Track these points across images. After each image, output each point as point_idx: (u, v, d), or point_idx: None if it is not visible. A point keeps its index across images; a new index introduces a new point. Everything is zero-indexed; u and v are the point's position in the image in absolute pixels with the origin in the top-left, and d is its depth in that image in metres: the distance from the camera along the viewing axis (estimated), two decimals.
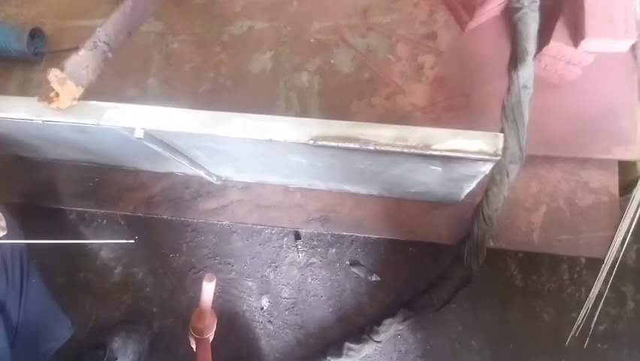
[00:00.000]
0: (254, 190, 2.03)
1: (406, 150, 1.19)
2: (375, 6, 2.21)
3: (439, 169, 1.34)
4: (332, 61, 2.13)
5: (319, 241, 2.15)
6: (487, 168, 1.27)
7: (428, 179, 1.49)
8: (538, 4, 1.65)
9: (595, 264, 1.98)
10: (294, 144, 1.25)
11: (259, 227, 2.16)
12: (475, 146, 1.17)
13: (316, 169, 1.58)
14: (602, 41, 1.66)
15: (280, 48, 2.19)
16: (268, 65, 2.16)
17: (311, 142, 1.22)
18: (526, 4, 1.63)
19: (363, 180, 1.67)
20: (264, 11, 2.27)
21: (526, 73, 1.61)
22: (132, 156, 1.77)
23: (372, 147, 1.20)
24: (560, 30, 1.74)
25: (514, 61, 1.63)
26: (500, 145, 1.17)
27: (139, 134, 1.30)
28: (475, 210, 1.74)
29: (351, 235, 2.08)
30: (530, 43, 1.62)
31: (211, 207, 2.06)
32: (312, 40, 2.18)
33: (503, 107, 1.62)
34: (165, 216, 2.11)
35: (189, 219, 2.14)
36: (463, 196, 1.72)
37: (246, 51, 2.21)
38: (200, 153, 1.56)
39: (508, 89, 1.63)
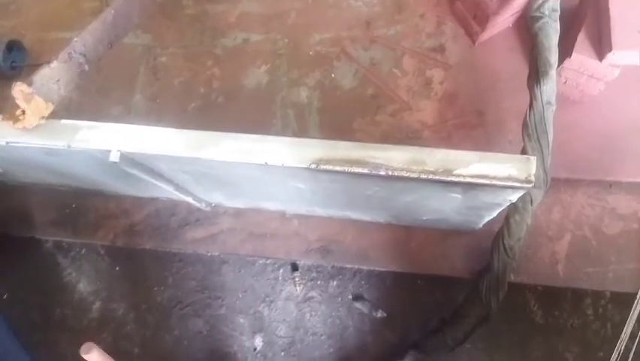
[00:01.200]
0: (247, 217, 1.87)
1: (423, 176, 1.05)
2: (379, 17, 2.09)
3: (459, 197, 1.19)
4: (333, 75, 2.00)
5: (319, 272, 1.98)
6: (515, 196, 1.12)
7: (444, 206, 1.34)
8: (558, 13, 1.53)
9: (621, 297, 1.82)
10: (293, 168, 1.10)
11: (252, 258, 1.99)
12: (504, 171, 1.03)
13: (317, 196, 1.43)
14: (630, 53, 1.54)
15: (277, 61, 2.06)
16: (264, 79, 2.03)
17: (312, 166, 1.08)
18: (546, 13, 1.51)
19: (369, 207, 1.52)
20: (259, 23, 2.15)
21: (549, 88, 1.48)
22: (111, 181, 1.62)
23: (383, 173, 1.06)
24: (582, 42, 1.62)
25: (536, 75, 1.50)
26: (533, 170, 1.03)
27: (115, 157, 1.15)
28: (494, 239, 1.58)
29: (354, 267, 1.92)
30: (552, 55, 1.49)
31: (200, 236, 1.90)
32: (311, 53, 2.06)
33: (525, 126, 1.49)
34: (147, 247, 1.94)
35: (175, 250, 1.97)
36: (481, 225, 1.57)
37: (240, 65, 2.08)
38: (188, 178, 1.41)
39: (530, 106, 1.49)
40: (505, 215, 1.53)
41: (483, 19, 1.84)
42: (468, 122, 1.86)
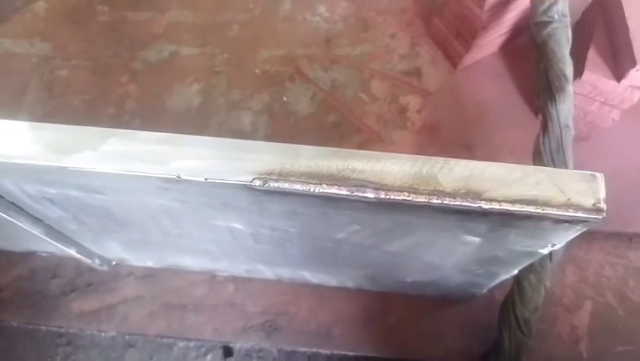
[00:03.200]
0: (160, 280, 1.42)
1: (434, 202, 0.68)
2: (341, 35, 1.82)
3: (477, 241, 0.83)
4: (285, 98, 1.67)
5: (261, 359, 1.51)
6: (565, 237, 0.78)
7: (446, 259, 0.98)
8: (569, 19, 1.30)
9: None
10: (225, 186, 0.71)
11: (169, 339, 1.50)
12: (558, 194, 0.68)
13: (261, 244, 1.03)
14: None
15: (213, 80, 1.70)
16: (195, 100, 1.66)
17: (257, 184, 0.69)
18: (556, 17, 1.27)
19: (337, 263, 1.12)
20: (193, 34, 1.81)
21: (566, 107, 1.21)
22: None
23: (371, 195, 0.69)
24: (593, 60, 1.39)
25: (549, 91, 1.23)
26: (602, 193, 0.69)
27: None
28: (502, 310, 1.23)
29: (311, 351, 1.48)
30: (567, 67, 1.24)
31: (91, 308, 1.41)
32: (257, 72, 1.73)
33: (538, 155, 1.19)
34: (14, 323, 1.42)
35: (56, 327, 1.45)
36: (486, 289, 1.21)
37: (164, 82, 1.70)
38: (61, 213, 0.97)
39: (544, 130, 1.21)
40: (514, 276, 1.19)
41: (468, 36, 1.60)
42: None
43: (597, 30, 1.43)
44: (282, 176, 0.70)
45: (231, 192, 0.74)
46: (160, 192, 0.77)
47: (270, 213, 0.82)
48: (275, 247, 1.04)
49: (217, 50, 1.77)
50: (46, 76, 1.74)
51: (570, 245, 1.45)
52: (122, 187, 0.77)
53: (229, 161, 0.71)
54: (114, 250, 1.25)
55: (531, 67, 1.73)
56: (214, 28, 1.83)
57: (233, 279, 1.44)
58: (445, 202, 0.69)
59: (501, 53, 1.77)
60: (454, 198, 0.69)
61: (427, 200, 0.69)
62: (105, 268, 1.39)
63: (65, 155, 0.71)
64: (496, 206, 0.68)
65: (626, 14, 1.32)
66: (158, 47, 1.78)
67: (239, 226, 0.92)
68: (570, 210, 0.68)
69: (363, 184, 0.69)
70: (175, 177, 0.70)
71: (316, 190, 0.69)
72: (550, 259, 1.22)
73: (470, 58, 1.70)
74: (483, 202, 0.68)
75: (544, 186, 0.69)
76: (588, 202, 0.69)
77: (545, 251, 0.87)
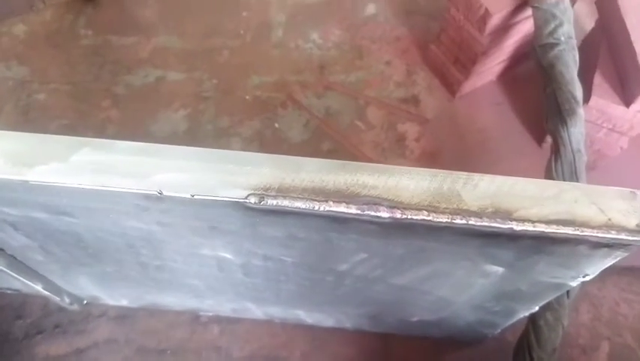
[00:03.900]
0: (137, 321, 1.29)
1: (458, 222, 0.60)
2: (335, 62, 1.77)
3: (500, 271, 0.74)
4: (276, 125, 1.60)
5: None
6: (605, 263, 0.69)
7: (461, 294, 0.88)
8: (575, 41, 1.27)
9: None
10: (215, 205, 0.61)
11: None
12: (599, 215, 0.60)
13: (252, 277, 0.92)
14: None
15: (201, 105, 1.63)
16: (181, 126, 1.58)
17: (252, 201, 0.60)
18: (562, 39, 1.24)
19: (336, 298, 1.02)
20: (180, 60, 1.75)
21: (577, 130, 1.15)
22: None
23: (386, 215, 0.60)
24: (600, 85, 1.35)
25: (559, 115, 1.17)
26: None
27: None
28: (516, 352, 1.13)
29: None
30: (577, 89, 1.19)
31: (58, 353, 1.28)
32: (247, 98, 1.66)
33: None
34: None
35: None
36: (499, 329, 1.11)
37: (148, 107, 1.62)
38: (22, 238, 0.85)
39: (556, 156, 1.14)
40: (530, 316, 1.10)
41: (467, 62, 1.56)
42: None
43: (602, 55, 1.40)
44: (282, 192, 0.61)
45: (222, 213, 0.64)
46: (138, 213, 0.67)
47: (264, 239, 0.72)
48: (267, 281, 0.94)
49: (205, 76, 1.70)
50: (22, 100, 1.65)
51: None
52: (94, 207, 0.67)
53: (220, 174, 0.61)
54: (85, 287, 1.13)
55: (531, 96, 1.71)
56: (203, 53, 1.77)
57: (219, 320, 1.31)
58: (470, 223, 0.60)
59: (499, 82, 1.73)
60: (480, 218, 0.60)
61: (449, 220, 0.60)
62: (76, 307, 1.26)
63: (28, 167, 0.62)
64: (529, 227, 0.60)
65: (632, 38, 1.29)
66: (143, 71, 1.71)
67: (228, 256, 0.82)
68: (612, 231, 0.60)
69: (375, 201, 0.60)
70: (156, 193, 0.61)
71: (321, 209, 0.60)
72: (568, 296, 1.13)
73: (469, 85, 1.66)
74: (514, 223, 0.60)
75: (581, 205, 0.61)
76: (631, 223, 0.61)
77: (575, 283, 0.78)
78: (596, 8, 1.50)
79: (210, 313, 1.30)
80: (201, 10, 1.92)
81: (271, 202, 0.60)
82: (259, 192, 0.60)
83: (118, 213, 0.68)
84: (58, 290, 1.17)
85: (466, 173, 0.63)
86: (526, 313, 0.98)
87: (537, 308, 0.94)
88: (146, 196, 0.62)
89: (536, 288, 0.81)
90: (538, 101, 1.64)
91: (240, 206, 0.61)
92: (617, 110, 1.32)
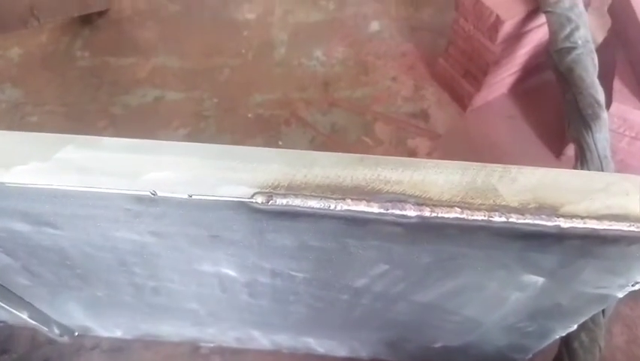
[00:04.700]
0: (131, 354, 1.20)
1: (497, 220, 0.52)
2: (340, 78, 1.73)
3: (540, 281, 0.66)
4: (280, 142, 1.54)
5: None
6: None
7: (493, 312, 0.80)
8: (592, 45, 1.22)
9: None
10: (216, 206, 0.54)
11: None
12: None
13: (258, 298, 0.84)
14: None
15: (202, 124, 1.57)
16: None
17: (258, 200, 0.52)
18: (579, 42, 1.19)
19: (351, 322, 0.93)
20: (180, 79, 1.71)
21: (602, 136, 1.09)
22: None
23: (413, 213, 0.52)
24: (620, 91, 1.29)
25: (582, 120, 1.11)
26: None
27: None
28: None
29: None
30: (599, 93, 1.13)
31: None
32: (250, 116, 1.60)
33: None
34: None
35: None
36: (532, 354, 1.01)
37: (147, 127, 1.56)
38: (3, 257, 0.78)
39: (582, 164, 1.08)
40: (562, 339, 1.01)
41: (478, 73, 1.51)
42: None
43: (619, 62, 1.34)
44: (292, 190, 0.53)
45: (224, 217, 0.57)
46: (129, 221, 0.60)
47: (272, 250, 0.65)
48: (275, 302, 0.85)
49: (206, 95, 1.66)
50: (15, 122, 1.60)
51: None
52: (80, 214, 0.60)
53: (222, 171, 0.54)
54: (76, 315, 1.04)
55: (544, 108, 1.65)
56: (203, 72, 1.73)
57: (221, 351, 1.22)
58: (510, 221, 0.52)
59: (511, 94, 1.68)
60: (522, 214, 0.52)
61: (486, 218, 0.53)
62: (66, 339, 1.16)
63: (4, 168, 0.55)
64: (579, 224, 0.52)
65: None
66: (141, 91, 1.67)
67: (231, 273, 0.74)
68: None
69: (400, 198, 0.53)
70: (149, 193, 0.53)
71: (338, 208, 0.53)
72: (604, 314, 1.04)
73: (480, 98, 1.60)
74: (562, 220, 0.52)
75: (634, 198, 0.54)
76: None
77: (622, 294, 0.69)
78: (609, 15, 1.46)
79: (212, 344, 1.21)
80: (201, 31, 1.90)
81: (280, 202, 0.53)
82: (267, 191, 0.53)
83: (106, 222, 0.61)
84: (46, 320, 1.08)
85: (501, 165, 0.56)
86: (563, 334, 0.88)
87: (575, 327, 0.85)
88: (138, 198, 0.54)
89: (578, 302, 0.73)
90: (553, 114, 1.59)
91: (245, 207, 0.54)
92: None
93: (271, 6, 1.98)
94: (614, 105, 1.27)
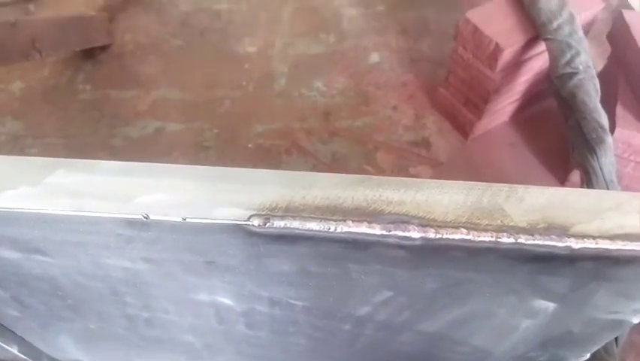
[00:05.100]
0: None
1: (505, 241, 0.50)
2: (340, 108, 1.73)
3: (552, 307, 0.63)
4: None
5: None
6: None
7: (502, 341, 0.76)
8: (594, 70, 1.22)
9: None
10: (211, 230, 0.52)
11: None
12: None
13: (256, 330, 0.81)
14: None
15: (201, 154, 1.57)
16: None
17: (255, 223, 0.51)
18: (580, 68, 1.19)
19: (353, 355, 0.89)
20: (180, 111, 1.71)
21: (608, 160, 1.08)
22: None
23: (416, 235, 0.50)
24: (623, 117, 1.28)
25: (587, 145, 1.10)
26: None
27: None
28: None
29: None
30: (602, 118, 1.12)
31: None
32: (250, 146, 1.60)
33: None
34: None
35: None
36: None
37: (147, 158, 1.54)
38: None
39: (588, 188, 1.05)
40: None
41: (479, 101, 1.51)
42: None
43: (620, 88, 1.34)
44: (291, 211, 0.51)
45: (219, 242, 0.55)
46: (121, 247, 0.57)
47: (270, 277, 0.62)
48: (273, 334, 0.82)
49: (206, 125, 1.66)
50: (14, 154, 1.59)
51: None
52: (70, 240, 0.57)
53: (217, 193, 0.53)
54: (67, 349, 1.00)
55: (546, 136, 1.65)
56: (203, 104, 1.74)
57: None
58: (519, 241, 0.50)
59: (512, 122, 1.68)
60: (531, 235, 0.50)
61: (493, 240, 0.50)
62: None
63: None
64: (590, 245, 0.50)
65: None
66: (142, 123, 1.67)
67: (227, 302, 0.71)
68: None
69: (403, 219, 0.51)
70: (142, 217, 0.51)
71: (338, 230, 0.51)
72: (617, 343, 1.00)
73: (481, 127, 1.60)
74: (572, 240, 0.50)
75: None
76: None
77: (636, 319, 0.66)
78: (608, 42, 1.47)
79: None
80: (203, 64, 1.92)
81: (278, 224, 0.51)
82: (264, 213, 0.51)
83: (98, 248, 0.59)
84: (37, 355, 1.04)
85: (507, 185, 0.54)
86: None
87: (588, 356, 0.81)
88: (130, 222, 0.52)
89: (591, 328, 0.69)
90: (555, 141, 1.58)
91: (241, 231, 0.52)
92: None
93: (272, 39, 2.01)
94: (618, 131, 1.26)
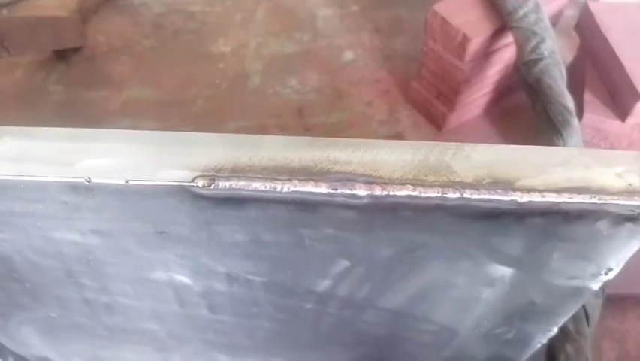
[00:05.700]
0: None
1: (451, 196, 0.51)
2: (315, 105, 1.74)
3: (509, 273, 0.64)
4: None
5: None
6: (630, 247, 0.59)
7: (466, 315, 0.76)
8: (559, 56, 1.24)
9: None
10: (156, 193, 0.52)
11: None
12: (617, 180, 0.52)
13: (219, 313, 0.80)
14: None
15: None
16: None
17: (200, 184, 0.50)
18: (546, 53, 1.21)
19: (320, 336, 0.89)
20: (152, 109, 1.71)
21: (574, 142, 1.09)
22: None
23: (363, 193, 0.50)
24: (591, 102, 1.31)
25: (554, 128, 1.12)
26: None
27: None
28: None
29: None
30: (568, 101, 1.14)
31: None
32: None
33: None
34: None
35: None
36: None
37: None
38: None
39: None
40: (545, 350, 0.98)
41: (451, 93, 1.53)
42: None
43: (588, 75, 1.37)
44: (237, 172, 0.51)
45: (167, 206, 0.54)
46: (68, 216, 0.57)
47: (224, 248, 0.62)
48: (236, 317, 0.81)
49: (178, 123, 1.65)
50: None
51: (602, 315, 1.23)
52: (16, 210, 0.57)
53: (162, 156, 0.52)
54: (31, 342, 0.98)
55: (520, 129, 1.67)
56: (177, 103, 1.73)
57: None
58: (465, 196, 0.50)
59: (486, 115, 1.70)
60: (477, 189, 0.51)
61: (440, 195, 0.51)
62: None
63: None
64: (536, 198, 0.50)
65: (618, 53, 1.27)
66: (113, 122, 1.66)
67: (185, 280, 0.70)
68: (635, 197, 0.51)
69: (350, 178, 0.51)
70: (84, 180, 0.51)
71: (285, 189, 0.51)
72: (588, 323, 1.01)
73: (455, 119, 1.62)
74: (518, 193, 0.50)
75: (595, 170, 0.52)
76: None
77: (596, 285, 0.67)
78: (576, 32, 1.50)
79: None
80: (176, 64, 1.92)
81: (223, 184, 0.51)
82: (209, 174, 0.51)
83: (45, 219, 0.58)
84: (2, 352, 1.02)
85: (455, 143, 0.55)
86: (544, 340, 0.84)
87: (555, 330, 0.81)
88: (73, 187, 0.52)
89: (552, 298, 0.70)
90: (529, 134, 1.60)
91: (187, 193, 0.52)
92: (613, 125, 1.27)
93: (246, 39, 2.01)
94: (586, 116, 1.28)
